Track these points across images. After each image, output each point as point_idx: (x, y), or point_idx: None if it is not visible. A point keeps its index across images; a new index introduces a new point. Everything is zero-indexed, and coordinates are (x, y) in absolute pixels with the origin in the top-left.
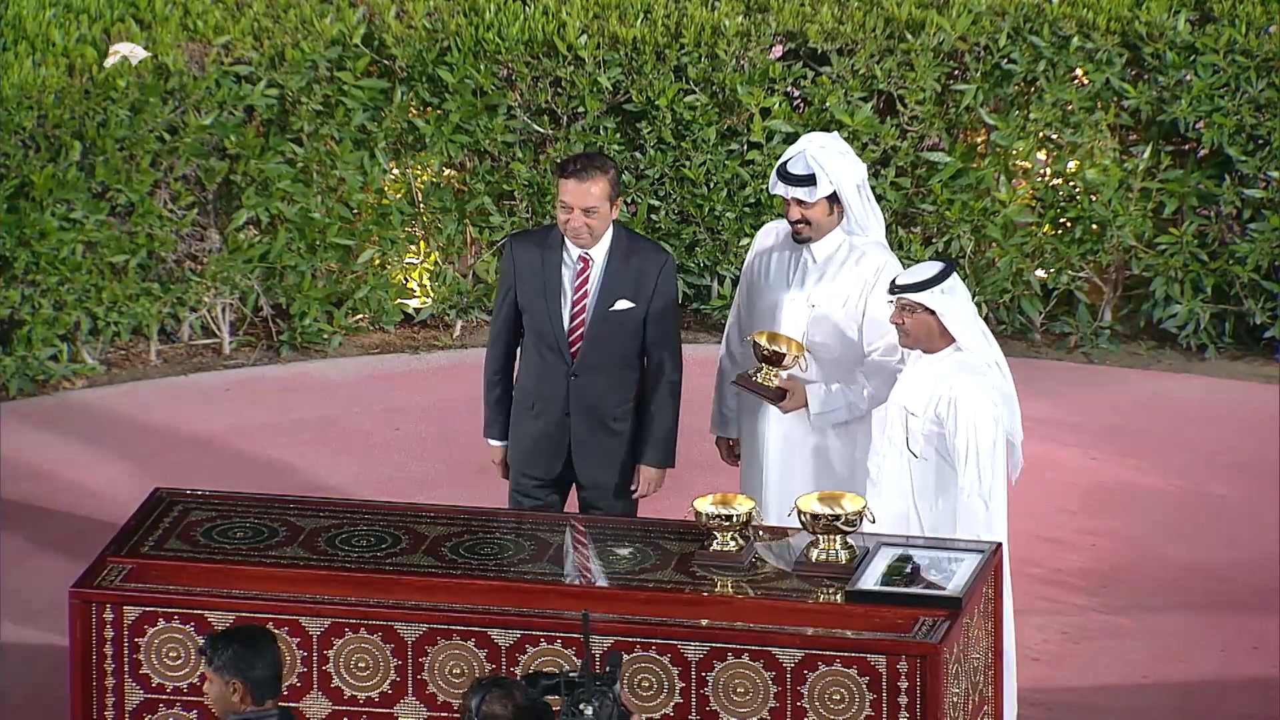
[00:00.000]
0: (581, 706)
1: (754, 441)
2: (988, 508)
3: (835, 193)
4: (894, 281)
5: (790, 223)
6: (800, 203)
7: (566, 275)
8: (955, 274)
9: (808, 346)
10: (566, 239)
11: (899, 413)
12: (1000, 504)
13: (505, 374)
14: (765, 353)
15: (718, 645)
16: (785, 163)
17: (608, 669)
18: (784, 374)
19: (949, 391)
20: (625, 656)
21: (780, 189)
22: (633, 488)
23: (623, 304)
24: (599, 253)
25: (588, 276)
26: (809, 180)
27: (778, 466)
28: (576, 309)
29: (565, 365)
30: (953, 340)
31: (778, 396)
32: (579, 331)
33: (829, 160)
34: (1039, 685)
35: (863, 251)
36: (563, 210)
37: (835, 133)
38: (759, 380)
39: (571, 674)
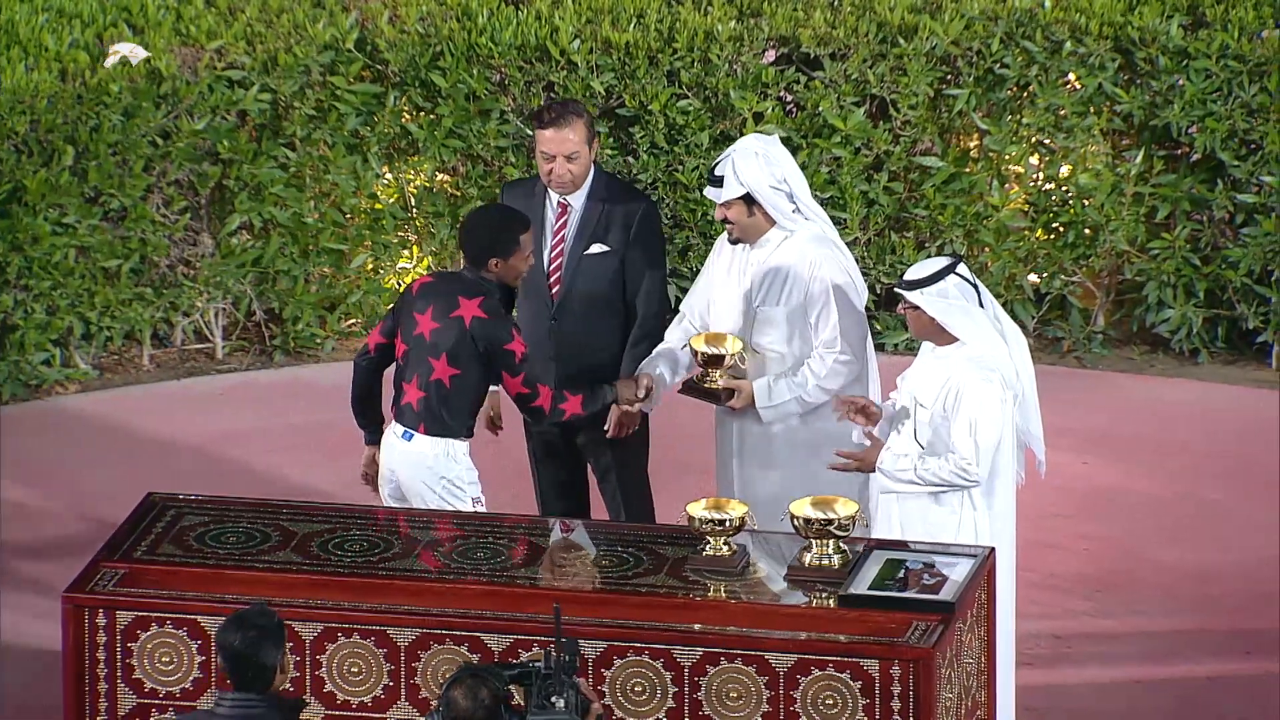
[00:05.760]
0: (553, 699)
1: (723, 445)
2: (973, 484)
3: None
4: (900, 276)
5: (720, 222)
6: (722, 203)
7: (547, 221)
8: (954, 275)
9: (753, 346)
10: (550, 188)
11: (909, 401)
12: (1006, 506)
13: None
14: (704, 356)
15: (710, 650)
16: (715, 163)
17: (566, 658)
18: (727, 373)
19: (956, 385)
20: (580, 643)
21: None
22: (605, 426)
23: (597, 248)
24: (578, 198)
25: (566, 221)
26: (719, 182)
27: (738, 467)
28: (554, 253)
29: (547, 309)
30: (957, 337)
31: (725, 397)
32: (556, 275)
33: (741, 163)
34: (1032, 689)
35: (797, 246)
36: (544, 160)
37: (774, 135)
38: (704, 385)
39: (535, 665)
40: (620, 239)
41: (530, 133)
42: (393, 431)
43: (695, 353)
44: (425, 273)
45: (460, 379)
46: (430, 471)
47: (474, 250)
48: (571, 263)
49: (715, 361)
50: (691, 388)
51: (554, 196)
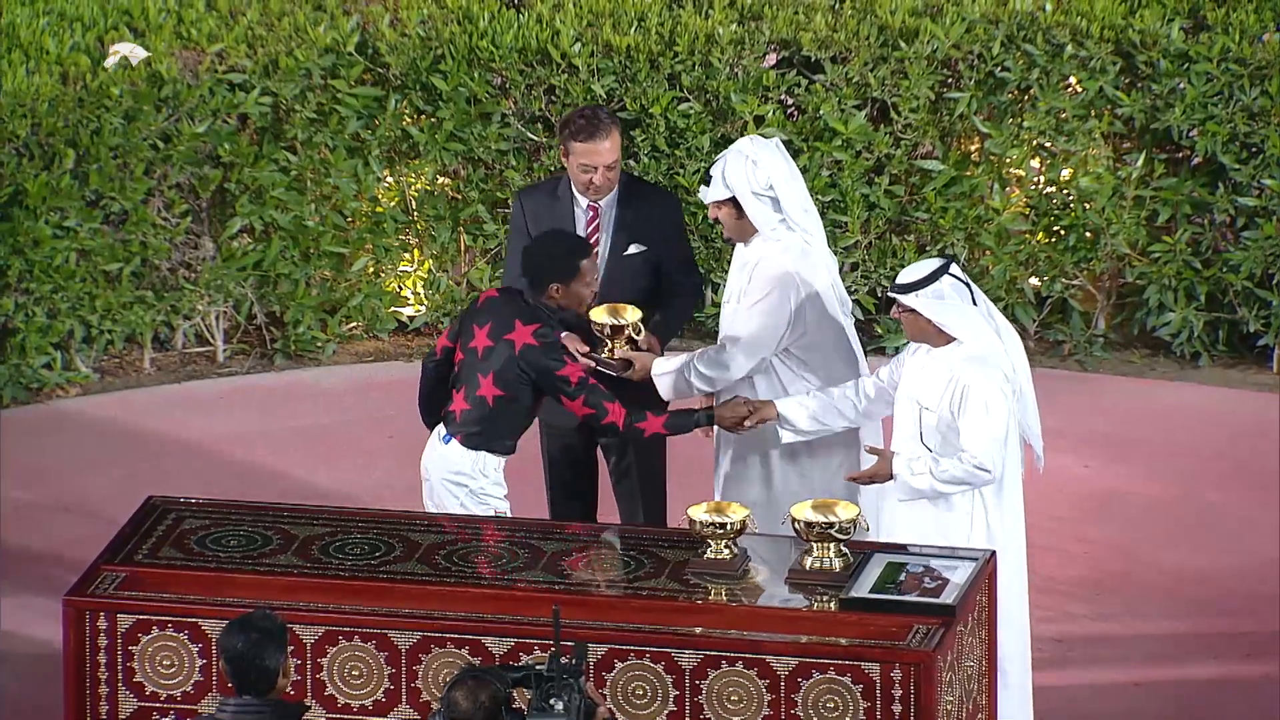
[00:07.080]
0: (551, 701)
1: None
2: (994, 479)
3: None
4: (893, 281)
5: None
6: (711, 203)
7: (578, 224)
8: (947, 276)
9: (721, 342)
10: (579, 193)
11: (912, 407)
12: (1015, 503)
13: None
14: (604, 328)
15: (711, 653)
16: (713, 161)
17: (573, 660)
18: (625, 345)
19: (960, 384)
20: (589, 646)
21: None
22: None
23: (635, 248)
24: (607, 200)
25: (598, 224)
26: (708, 181)
27: (724, 480)
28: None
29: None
30: (955, 337)
31: (623, 368)
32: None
33: (730, 165)
34: (1033, 692)
35: (765, 252)
36: (584, 172)
37: (775, 140)
38: (604, 356)
39: (539, 666)
40: (655, 235)
41: (531, 136)
42: (436, 432)
43: (594, 324)
44: (494, 286)
45: (505, 400)
46: (458, 478)
47: (533, 275)
48: (611, 264)
49: (615, 332)
50: (590, 357)
51: (582, 200)
